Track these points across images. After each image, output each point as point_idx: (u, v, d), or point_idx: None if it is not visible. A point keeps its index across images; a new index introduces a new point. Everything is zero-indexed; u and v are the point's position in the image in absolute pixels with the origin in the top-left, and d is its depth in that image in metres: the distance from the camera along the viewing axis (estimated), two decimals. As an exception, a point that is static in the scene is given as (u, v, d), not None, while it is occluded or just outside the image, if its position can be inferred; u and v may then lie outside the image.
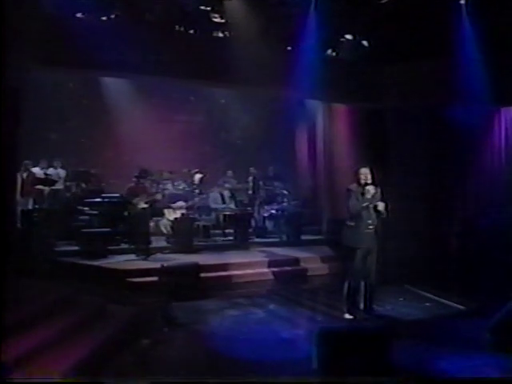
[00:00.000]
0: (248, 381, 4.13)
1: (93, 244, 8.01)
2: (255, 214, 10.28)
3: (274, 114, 11.20)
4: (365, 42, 9.74)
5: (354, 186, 5.96)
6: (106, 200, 8.76)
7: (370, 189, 5.81)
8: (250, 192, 10.76)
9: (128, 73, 8.48)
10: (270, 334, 5.37)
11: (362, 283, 6.05)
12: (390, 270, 7.84)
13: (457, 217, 8.67)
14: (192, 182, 10.54)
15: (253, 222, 10.06)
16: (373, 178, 5.92)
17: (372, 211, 5.89)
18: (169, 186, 10.31)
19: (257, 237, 9.94)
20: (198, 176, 10.73)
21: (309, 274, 8.23)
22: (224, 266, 7.87)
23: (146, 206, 8.28)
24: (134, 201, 8.22)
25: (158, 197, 8.67)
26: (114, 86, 10.89)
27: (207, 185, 10.55)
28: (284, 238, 9.81)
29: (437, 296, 7.06)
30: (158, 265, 7.16)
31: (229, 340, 5.16)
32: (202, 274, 7.23)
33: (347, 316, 6.00)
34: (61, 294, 5.46)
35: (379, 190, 5.99)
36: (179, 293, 6.64)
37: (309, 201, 11.06)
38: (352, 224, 5.94)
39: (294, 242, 9.58)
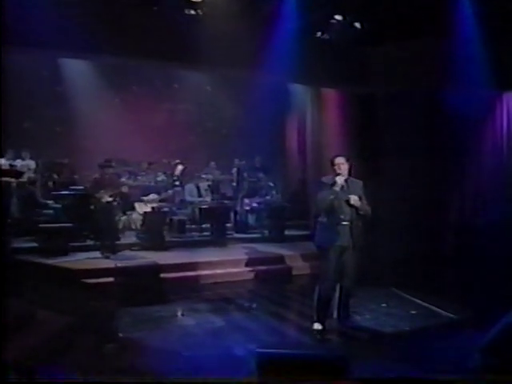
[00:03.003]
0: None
1: (52, 240, 7.39)
2: (238, 208, 9.55)
3: (262, 101, 10.42)
4: (356, 24, 8.94)
5: (327, 178, 5.24)
6: (71, 193, 8.11)
7: (339, 180, 5.05)
8: (234, 184, 10.04)
9: (95, 54, 7.81)
10: (219, 350, 4.62)
11: (337, 287, 5.32)
12: (375, 271, 7.11)
13: (454, 212, 7.83)
14: (172, 174, 9.86)
15: (233, 216, 9.33)
16: (350, 168, 5.16)
17: (345, 205, 5.13)
18: (145, 177, 9.61)
19: (236, 232, 9.23)
20: (179, 167, 10.05)
21: (287, 273, 7.49)
22: (190, 265, 7.16)
23: (110, 199, 7.61)
24: (98, 194, 7.55)
25: (124, 189, 7.98)
26: (92, 72, 10.16)
27: (188, 177, 9.87)
28: (266, 233, 9.07)
29: (426, 302, 6.21)
30: (117, 264, 6.53)
31: (166, 356, 4.43)
32: (164, 275, 6.58)
33: (316, 326, 5.22)
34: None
35: (357, 182, 5.24)
36: (133, 296, 5.98)
37: (296, 194, 10.30)
38: (323, 220, 5.21)
39: (277, 237, 8.85)
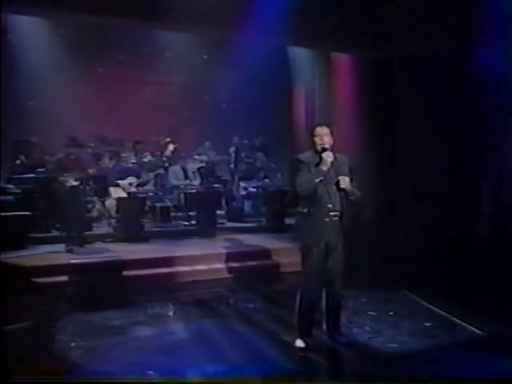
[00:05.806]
0: None
1: (8, 231, 6.42)
2: (234, 192, 8.42)
3: (265, 71, 9.22)
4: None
5: (305, 155, 4.11)
6: (33, 176, 7.14)
7: (327, 156, 3.91)
8: (232, 166, 8.90)
9: (66, 11, 6.67)
10: (168, 373, 3.59)
11: (323, 294, 4.17)
12: (384, 269, 5.94)
13: (486, 199, 6.45)
14: (162, 154, 8.78)
15: (225, 203, 8.21)
16: (334, 141, 4.04)
17: (333, 190, 3.98)
18: (130, 158, 8.53)
19: (229, 220, 8.12)
20: (170, 147, 8.96)
21: (279, 270, 6.36)
22: (166, 261, 6.10)
23: (76, 183, 6.61)
24: (62, 178, 6.56)
25: (93, 171, 6.97)
26: (70, 37, 8.89)
27: (180, 158, 8.78)
28: (263, 222, 7.92)
29: (446, 311, 4.94)
30: (70, 260, 5.54)
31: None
32: (130, 273, 5.56)
33: (298, 343, 4.11)
34: None
35: (344, 158, 4.12)
36: (84, 300, 5.01)
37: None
38: (305, 211, 4.05)
39: (275, 227, 7.70)
